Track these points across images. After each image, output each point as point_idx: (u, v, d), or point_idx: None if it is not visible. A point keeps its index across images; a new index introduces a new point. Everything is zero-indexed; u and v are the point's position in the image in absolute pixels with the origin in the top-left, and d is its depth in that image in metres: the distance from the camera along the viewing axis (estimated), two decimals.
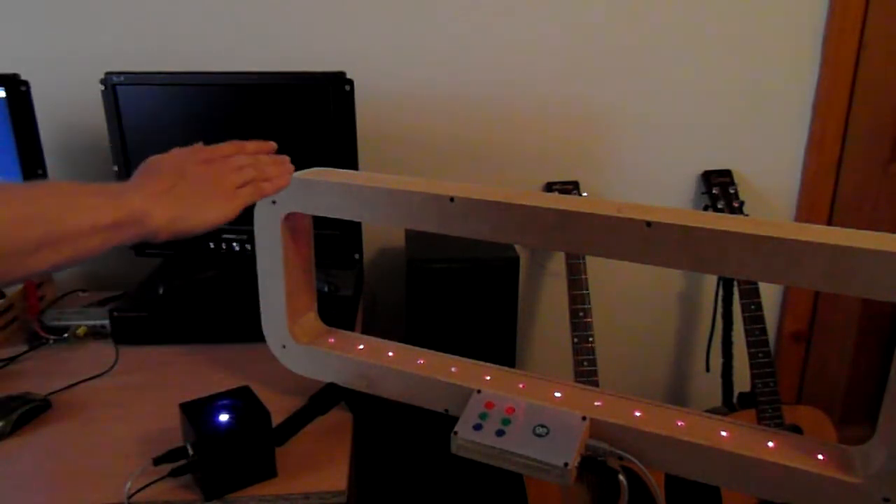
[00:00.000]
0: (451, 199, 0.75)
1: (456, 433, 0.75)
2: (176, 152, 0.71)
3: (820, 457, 0.69)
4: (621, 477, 0.73)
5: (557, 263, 1.55)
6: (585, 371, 1.36)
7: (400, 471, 1.40)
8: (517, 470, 0.73)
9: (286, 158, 0.77)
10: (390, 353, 0.90)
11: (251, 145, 0.75)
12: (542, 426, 0.75)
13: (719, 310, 1.53)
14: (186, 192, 0.66)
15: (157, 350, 1.12)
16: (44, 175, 1.16)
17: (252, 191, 0.71)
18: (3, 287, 0.54)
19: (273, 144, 0.77)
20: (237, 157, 0.72)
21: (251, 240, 1.18)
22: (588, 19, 1.41)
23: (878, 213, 1.57)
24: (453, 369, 0.86)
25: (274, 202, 0.86)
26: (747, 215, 1.45)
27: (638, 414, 0.76)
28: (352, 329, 1.13)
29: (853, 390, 1.72)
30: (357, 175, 0.86)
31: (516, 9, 1.39)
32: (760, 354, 1.40)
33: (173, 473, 0.77)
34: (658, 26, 1.42)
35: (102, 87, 1.15)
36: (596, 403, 0.78)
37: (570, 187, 1.47)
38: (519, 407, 0.78)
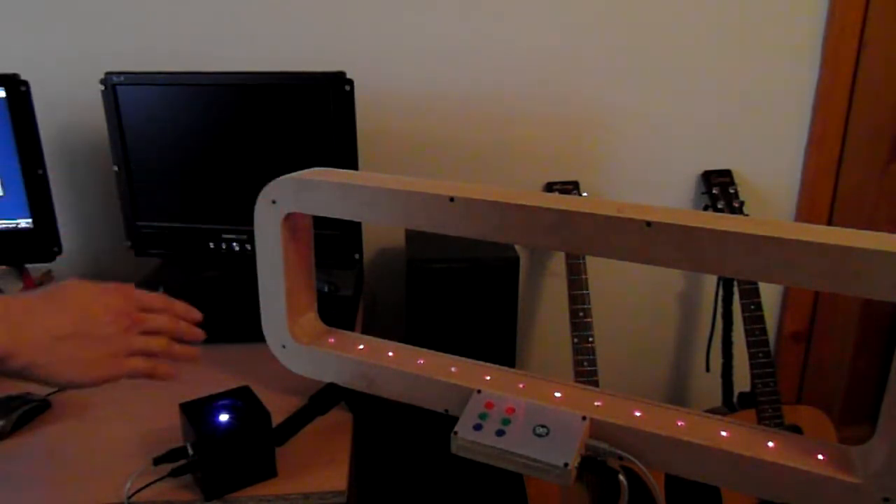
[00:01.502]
0: (451, 199, 0.75)
1: (456, 433, 0.75)
2: (96, 288, 0.61)
3: (820, 457, 0.69)
4: (621, 477, 0.73)
5: (557, 263, 1.55)
6: (585, 371, 1.36)
7: (400, 471, 1.40)
8: (517, 470, 0.73)
9: (194, 348, 0.69)
10: (390, 353, 0.90)
11: (180, 307, 0.67)
12: (542, 426, 0.75)
13: (719, 310, 1.53)
14: (72, 344, 0.58)
15: None
16: (44, 175, 1.16)
17: (145, 368, 0.65)
18: None
19: (198, 315, 0.68)
20: (154, 318, 0.65)
21: (251, 240, 1.18)
22: (588, 19, 1.41)
23: (878, 213, 1.58)
24: (453, 369, 0.86)
25: (274, 202, 0.86)
26: (747, 215, 1.45)
27: (638, 414, 0.76)
28: (352, 329, 1.13)
29: (853, 390, 1.72)
30: (357, 175, 0.86)
31: (516, 9, 1.39)
32: (760, 354, 1.40)
33: (173, 473, 0.77)
34: (658, 26, 1.42)
35: (102, 87, 1.15)
36: (596, 403, 0.78)
37: (570, 187, 1.47)
38: (519, 407, 0.78)
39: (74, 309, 0.59)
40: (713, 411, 1.43)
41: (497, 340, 1.26)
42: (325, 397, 0.91)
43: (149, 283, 1.25)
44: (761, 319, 1.41)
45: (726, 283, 1.51)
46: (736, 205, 1.44)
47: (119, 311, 0.61)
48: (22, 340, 0.55)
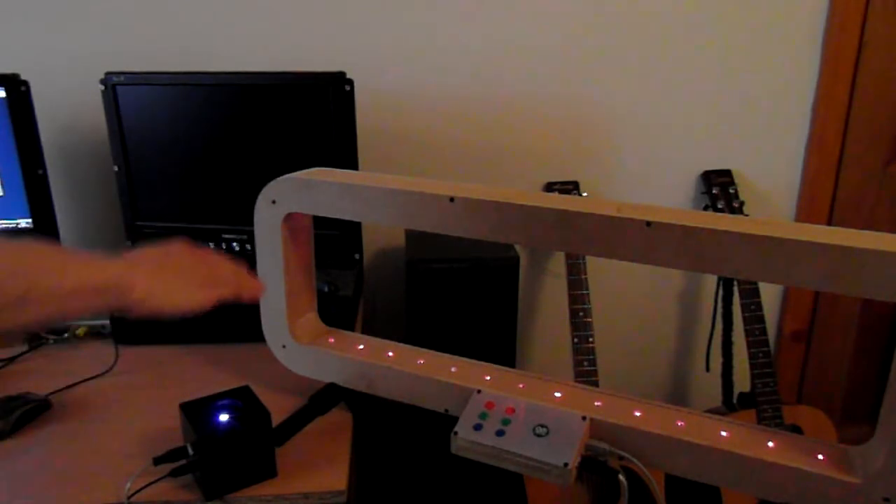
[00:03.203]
0: (451, 199, 0.75)
1: (456, 433, 0.75)
2: (169, 242, 0.74)
3: (820, 457, 0.69)
4: (621, 477, 0.73)
5: (557, 263, 1.55)
6: (585, 371, 1.36)
7: (400, 471, 1.40)
8: (517, 470, 0.73)
9: (244, 267, 0.81)
10: (390, 353, 0.90)
11: (226, 261, 0.79)
12: (542, 426, 0.75)
13: (719, 310, 1.53)
14: (169, 274, 0.69)
15: (157, 350, 1.12)
16: (44, 175, 1.16)
17: (231, 291, 0.76)
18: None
19: (235, 260, 0.80)
20: (218, 262, 0.77)
21: (251, 240, 1.18)
22: (588, 20, 1.41)
23: (878, 213, 1.57)
24: (453, 369, 0.86)
25: (274, 202, 0.86)
26: (747, 215, 1.45)
27: (638, 414, 0.76)
28: (352, 329, 1.13)
29: (853, 390, 1.72)
30: (357, 175, 0.86)
31: (516, 9, 1.39)
32: (760, 354, 1.40)
33: (173, 473, 0.77)
34: (658, 26, 1.42)
35: (102, 87, 1.15)
36: (596, 403, 0.78)
37: (570, 187, 1.47)
38: (519, 407, 0.78)
39: (159, 253, 0.72)
40: (713, 411, 1.43)
41: (497, 340, 1.26)
42: (325, 397, 0.91)
43: None
44: (761, 319, 1.41)
45: (726, 283, 1.51)
46: (736, 205, 1.44)
47: (193, 250, 0.75)
48: (135, 274, 0.66)
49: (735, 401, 1.53)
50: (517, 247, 1.32)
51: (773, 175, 1.54)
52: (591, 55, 1.43)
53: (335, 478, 0.81)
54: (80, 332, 1.15)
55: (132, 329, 1.13)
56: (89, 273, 0.62)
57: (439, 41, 1.40)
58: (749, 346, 1.41)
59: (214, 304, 0.73)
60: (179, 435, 0.82)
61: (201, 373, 1.05)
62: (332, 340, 0.95)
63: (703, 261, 0.66)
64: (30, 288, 0.58)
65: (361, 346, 0.93)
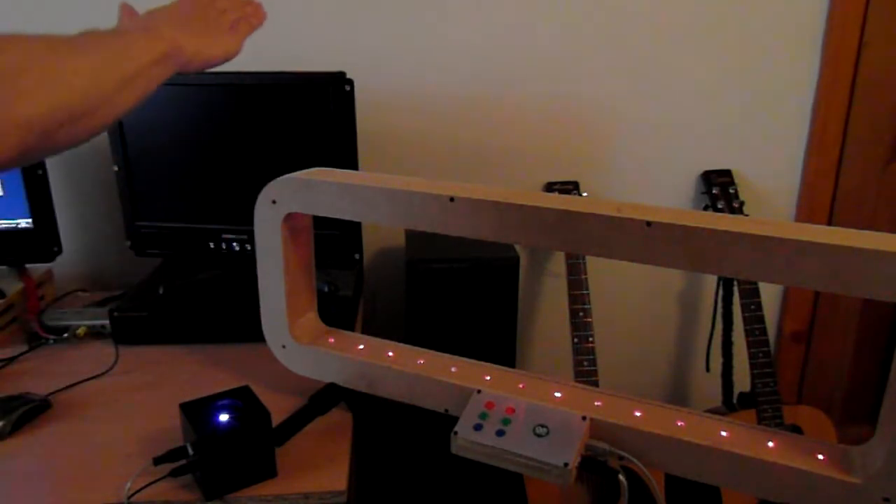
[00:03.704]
0: (451, 199, 0.75)
1: (456, 433, 0.75)
2: (172, 3, 0.77)
3: (820, 457, 0.69)
4: (621, 477, 0.73)
5: (557, 263, 1.55)
6: (585, 371, 1.36)
7: (400, 471, 1.40)
8: (517, 470, 0.73)
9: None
10: (390, 353, 0.90)
11: None
12: (542, 426, 0.75)
13: (719, 310, 1.53)
14: (201, 27, 0.73)
15: (157, 350, 1.12)
16: (44, 175, 1.16)
17: (246, 26, 0.80)
18: (94, 135, 0.59)
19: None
20: (219, 2, 0.79)
21: (251, 240, 1.18)
22: (588, 19, 1.41)
23: (878, 213, 1.57)
24: (453, 369, 0.86)
25: (274, 202, 0.86)
26: (747, 215, 1.45)
27: (638, 414, 0.76)
28: (352, 329, 1.13)
29: (853, 390, 1.72)
30: (357, 175, 0.86)
31: (516, 9, 1.39)
32: (760, 354, 1.40)
33: (173, 473, 0.77)
34: (658, 26, 1.42)
35: None
36: (596, 403, 0.78)
37: (570, 187, 1.47)
38: (519, 407, 0.78)
39: (179, 13, 0.74)
40: (713, 411, 1.43)
41: (497, 340, 1.26)
42: (325, 397, 0.91)
43: (149, 283, 1.25)
44: (761, 319, 1.41)
45: (726, 283, 1.51)
46: (736, 205, 1.44)
47: (197, 3, 0.77)
48: (180, 33, 0.69)
49: (735, 401, 1.53)
50: (517, 247, 1.32)
51: (773, 175, 1.54)
52: (591, 55, 1.43)
53: (335, 478, 0.81)
54: (80, 332, 1.15)
55: (132, 329, 1.13)
56: (153, 46, 0.66)
57: (439, 41, 1.40)
58: (749, 346, 1.41)
59: (243, 43, 0.78)
60: (179, 435, 0.82)
61: (201, 373, 1.05)
62: (332, 340, 0.95)
63: (703, 261, 0.66)
64: (125, 75, 0.61)
65: (361, 346, 0.93)
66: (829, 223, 1.57)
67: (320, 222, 0.91)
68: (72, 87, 0.56)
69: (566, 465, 0.70)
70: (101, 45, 0.62)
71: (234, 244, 1.20)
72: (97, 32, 0.64)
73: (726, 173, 1.48)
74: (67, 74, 0.56)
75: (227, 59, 0.75)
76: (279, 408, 0.84)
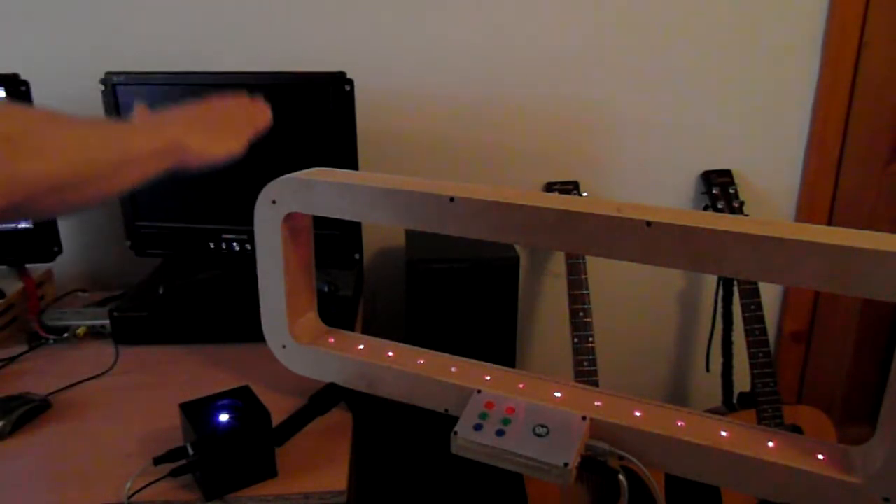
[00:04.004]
0: (451, 199, 0.75)
1: (456, 433, 0.75)
2: (185, 106, 0.81)
3: (820, 457, 0.69)
4: (621, 477, 0.73)
5: (557, 263, 1.55)
6: (585, 371, 1.36)
7: (400, 471, 1.40)
8: (517, 470, 0.73)
9: (261, 100, 0.87)
10: (390, 353, 0.90)
11: (234, 101, 0.86)
12: (542, 426, 0.75)
13: (719, 310, 1.53)
14: (207, 128, 0.76)
15: (157, 350, 1.12)
16: None
17: (251, 129, 0.82)
18: (85, 208, 0.61)
19: (245, 94, 0.88)
20: (230, 105, 0.84)
21: (251, 240, 1.18)
22: (588, 19, 1.41)
23: (878, 213, 1.57)
24: (453, 369, 0.86)
25: (274, 202, 0.86)
26: (747, 215, 1.45)
27: (638, 414, 0.76)
28: (352, 329, 1.13)
29: (853, 390, 1.72)
30: (357, 175, 0.86)
31: (516, 9, 1.39)
32: (760, 354, 1.40)
33: (173, 473, 0.77)
34: (658, 26, 1.42)
35: (102, 87, 1.15)
36: (596, 403, 0.78)
37: (570, 187, 1.47)
38: (519, 407, 0.78)
39: (190, 114, 0.78)
40: (713, 411, 1.43)
41: (497, 340, 1.26)
42: (325, 397, 0.91)
43: (149, 283, 1.25)
44: (761, 319, 1.41)
45: (726, 283, 1.51)
46: (736, 205, 1.44)
47: (207, 108, 0.81)
48: (186, 132, 0.73)
49: (735, 401, 1.53)
50: (517, 247, 1.32)
51: (773, 175, 1.54)
52: (591, 55, 1.43)
53: (335, 478, 0.81)
54: (80, 332, 1.15)
55: (132, 329, 1.13)
56: (154, 137, 0.69)
57: (440, 41, 1.40)
58: (749, 346, 1.41)
59: (246, 146, 0.81)
60: (179, 435, 0.82)
61: (201, 373, 1.05)
62: (332, 340, 0.95)
63: (703, 261, 0.66)
64: (122, 158, 0.64)
65: (361, 346, 0.93)
66: (829, 223, 1.57)
67: (320, 222, 0.91)
68: (64, 158, 0.58)
69: (566, 465, 0.70)
70: (103, 128, 0.65)
71: (234, 244, 1.20)
72: (105, 119, 0.66)
73: (726, 173, 1.48)
74: (62, 146, 0.59)
75: (227, 159, 0.77)
76: (279, 408, 0.84)
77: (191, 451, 0.77)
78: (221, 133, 0.78)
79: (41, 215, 0.58)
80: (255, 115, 0.85)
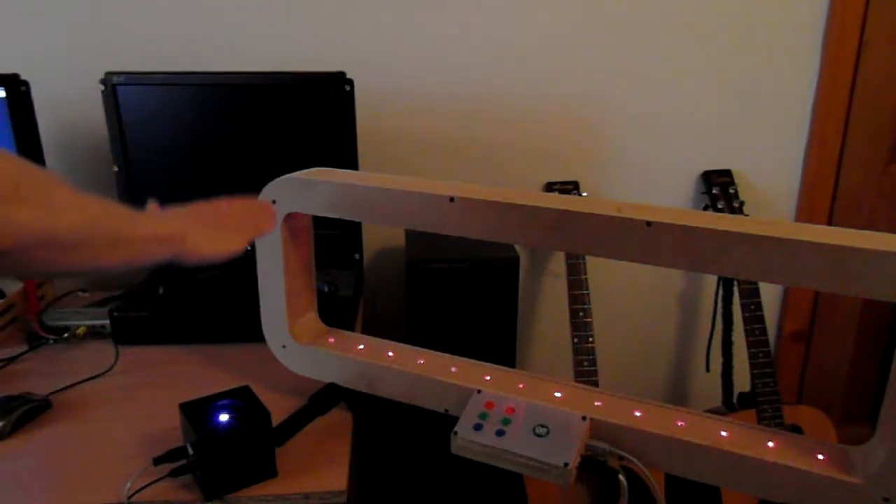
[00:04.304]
0: (451, 199, 0.75)
1: (456, 433, 0.75)
2: (194, 204, 0.84)
3: (820, 457, 0.69)
4: (621, 477, 0.73)
5: (557, 263, 1.55)
6: (585, 371, 1.36)
7: (400, 471, 1.40)
8: (517, 470, 0.73)
9: (268, 204, 0.89)
10: (390, 353, 0.90)
11: (239, 202, 0.89)
12: (542, 426, 0.75)
13: (719, 310, 1.53)
14: (210, 226, 0.79)
15: (157, 350, 1.12)
16: None
17: (253, 230, 0.86)
18: (78, 275, 0.62)
19: (253, 198, 0.90)
20: (234, 206, 0.86)
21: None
22: (588, 19, 1.41)
23: (878, 213, 1.58)
24: (453, 369, 0.86)
25: (274, 202, 0.86)
26: (747, 215, 1.45)
27: (638, 414, 0.76)
28: (352, 329, 1.13)
29: (853, 390, 1.72)
30: (357, 175, 0.86)
31: (516, 9, 1.39)
32: (760, 354, 1.40)
33: (173, 473, 0.77)
34: (658, 26, 1.42)
35: (102, 87, 1.15)
36: (596, 403, 0.78)
37: (570, 187, 1.47)
38: (519, 407, 0.78)
39: (196, 212, 0.80)
40: (713, 411, 1.43)
41: (497, 340, 1.26)
42: (325, 397, 0.91)
43: (149, 283, 1.25)
44: (761, 319, 1.41)
45: (726, 283, 1.51)
46: (736, 205, 1.44)
47: (215, 207, 0.84)
48: (188, 227, 0.74)
49: (735, 401, 1.53)
50: (517, 247, 1.32)
51: (773, 175, 1.54)
52: (591, 55, 1.43)
53: (335, 478, 0.80)
54: (80, 332, 1.15)
55: (132, 329, 1.13)
56: (156, 224, 0.71)
57: (439, 41, 1.40)
58: (749, 346, 1.41)
59: (246, 246, 0.82)
60: (179, 435, 0.82)
61: (201, 373, 1.05)
62: (332, 340, 0.95)
63: (703, 261, 0.66)
64: (121, 233, 0.65)
65: (361, 346, 0.93)
66: (829, 223, 1.57)
67: (320, 222, 0.91)
68: (64, 214, 0.59)
69: (566, 465, 0.70)
70: (109, 203, 0.65)
71: None
72: (115, 202, 0.68)
73: (726, 173, 1.48)
74: (65, 202, 0.59)
75: (227, 257, 0.78)
76: (279, 408, 0.84)
77: (191, 451, 0.77)
78: (224, 231, 0.80)
79: (27, 270, 0.57)
80: (261, 218, 0.87)
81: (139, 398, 0.98)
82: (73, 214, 0.60)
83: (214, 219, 0.81)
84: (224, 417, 0.77)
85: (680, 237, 0.66)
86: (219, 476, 0.77)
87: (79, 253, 0.60)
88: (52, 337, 1.14)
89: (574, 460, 0.70)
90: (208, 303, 1.18)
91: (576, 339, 1.37)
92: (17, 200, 0.55)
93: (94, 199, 0.63)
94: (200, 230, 0.76)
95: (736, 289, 1.46)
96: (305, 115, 1.14)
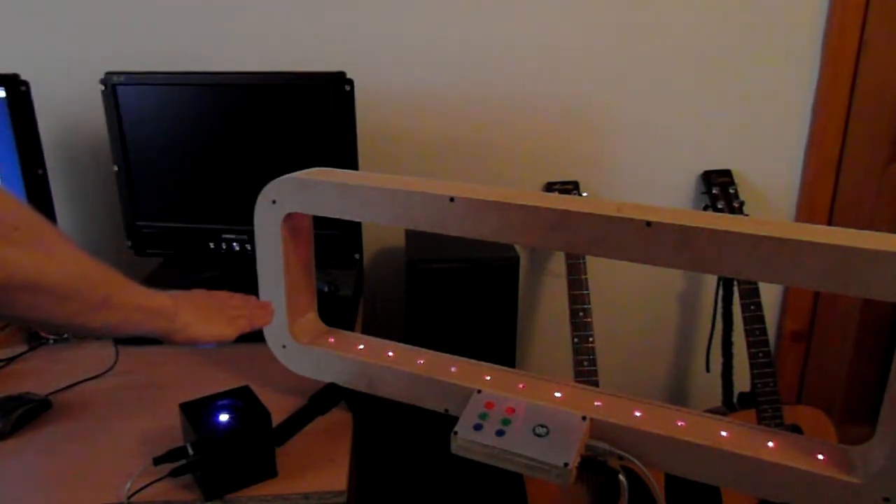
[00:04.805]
0: (451, 199, 0.75)
1: (456, 433, 0.75)
2: (195, 290, 0.84)
3: (820, 457, 0.69)
4: (621, 477, 0.73)
5: (557, 263, 1.55)
6: (585, 371, 1.36)
7: (400, 471, 1.40)
8: (517, 470, 0.73)
9: (269, 303, 0.91)
10: (390, 353, 0.90)
11: (240, 296, 0.90)
12: (542, 426, 0.75)
13: (719, 310, 1.53)
14: (203, 310, 0.79)
15: (157, 350, 1.12)
16: (44, 175, 1.16)
17: (246, 322, 0.85)
18: (57, 329, 0.63)
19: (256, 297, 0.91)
20: (234, 298, 0.87)
21: (251, 240, 1.18)
22: (588, 19, 1.41)
23: (878, 213, 1.57)
24: (453, 369, 0.86)
25: (274, 202, 0.86)
26: (747, 215, 1.45)
27: (638, 414, 0.76)
28: (352, 329, 1.13)
29: (853, 390, 1.72)
30: (357, 175, 0.86)
31: (516, 9, 1.39)
32: (760, 354, 1.40)
33: (173, 473, 0.77)
34: (658, 26, 1.42)
35: (102, 87, 1.15)
36: (596, 403, 0.78)
37: (570, 187, 1.47)
38: (519, 407, 0.78)
39: (191, 296, 0.81)
40: (713, 411, 1.43)
41: (497, 340, 1.26)
42: (325, 397, 0.91)
43: (149, 283, 1.25)
44: (761, 319, 1.41)
45: (726, 283, 1.51)
46: (736, 205, 1.44)
47: (212, 295, 0.84)
48: (180, 306, 0.75)
49: (735, 401, 1.53)
50: (517, 247, 1.32)
51: (773, 175, 1.54)
52: (591, 55, 1.43)
53: (335, 478, 0.81)
54: None
55: None
56: (147, 296, 0.71)
57: (439, 41, 1.40)
58: (749, 346, 1.41)
59: (237, 336, 0.83)
60: (179, 435, 0.82)
61: (201, 373, 1.05)
62: (332, 340, 0.95)
63: (703, 261, 0.66)
64: (110, 294, 0.65)
65: (361, 346, 0.93)
66: (829, 223, 1.57)
67: (320, 222, 0.91)
68: (55, 266, 0.59)
69: (566, 465, 0.70)
70: (105, 267, 0.66)
71: (234, 244, 1.20)
72: (111, 268, 0.68)
73: (726, 173, 1.48)
74: (59, 251, 0.60)
75: (214, 343, 0.80)
76: (279, 408, 0.84)
77: (191, 451, 0.77)
78: (216, 317, 0.80)
79: (8, 311, 0.57)
80: (257, 314, 0.87)
81: (139, 398, 0.98)
82: (66, 266, 0.60)
83: (209, 304, 0.81)
84: (224, 417, 0.77)
85: (680, 237, 0.66)
86: (219, 476, 0.77)
87: (64, 305, 0.60)
88: (51, 337, 1.14)
89: (574, 460, 0.70)
90: None
91: (576, 339, 1.37)
92: (13, 241, 0.55)
93: (91, 259, 0.64)
94: (192, 311, 0.77)
95: (736, 289, 1.46)
96: (305, 115, 1.14)
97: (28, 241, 0.57)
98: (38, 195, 1.16)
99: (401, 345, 0.93)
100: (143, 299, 0.70)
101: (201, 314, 0.78)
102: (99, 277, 0.64)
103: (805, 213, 1.55)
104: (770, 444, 0.71)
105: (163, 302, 0.73)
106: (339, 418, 0.91)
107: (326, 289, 1.21)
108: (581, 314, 1.37)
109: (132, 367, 1.07)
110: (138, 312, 0.69)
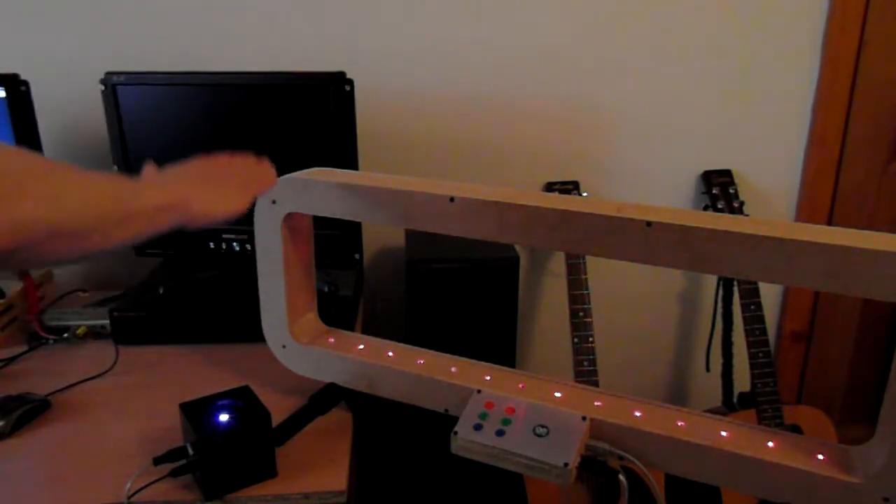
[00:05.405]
0: (451, 199, 0.75)
1: (456, 433, 0.75)
2: (192, 161, 0.82)
3: (820, 457, 0.69)
4: (621, 477, 0.73)
5: (557, 263, 1.55)
6: (585, 371, 1.36)
7: (400, 471, 1.40)
8: (517, 470, 0.73)
9: (265, 160, 0.87)
10: (390, 353, 0.90)
11: (238, 158, 0.87)
12: (542, 426, 0.75)
13: (719, 310, 1.53)
14: (212, 185, 0.77)
15: (157, 350, 1.12)
16: None
17: (256, 186, 0.83)
18: (90, 254, 0.61)
19: (252, 155, 0.88)
20: (235, 161, 0.84)
21: (251, 240, 1.18)
22: (588, 19, 1.41)
23: (878, 213, 1.57)
24: (453, 369, 0.86)
25: (274, 202, 0.86)
26: (747, 215, 1.45)
27: (638, 414, 0.76)
28: (352, 329, 1.13)
29: (853, 390, 1.72)
30: (357, 175, 0.86)
31: (516, 9, 1.39)
32: (760, 354, 1.40)
33: (173, 473, 0.77)
34: (658, 26, 1.42)
35: (102, 87, 1.15)
36: (596, 403, 0.78)
37: (570, 187, 1.47)
38: (519, 407, 0.78)
39: (196, 171, 0.79)
40: (713, 411, 1.43)
41: (497, 340, 1.26)
42: (325, 397, 0.91)
43: (149, 283, 1.25)
44: (761, 319, 1.41)
45: (726, 283, 1.51)
46: (736, 205, 1.44)
47: (214, 164, 0.82)
48: (191, 190, 0.74)
49: (735, 401, 1.53)
50: (517, 247, 1.32)
51: (773, 175, 1.54)
52: (591, 55, 1.43)
53: (335, 478, 0.81)
54: (80, 332, 1.15)
55: (132, 329, 1.13)
56: (160, 193, 0.70)
57: (440, 41, 1.40)
58: (749, 346, 1.41)
59: (251, 203, 0.81)
60: (179, 435, 0.82)
61: (201, 373, 1.05)
62: (332, 340, 0.95)
63: (703, 261, 0.66)
64: (127, 209, 0.65)
65: (361, 346, 0.93)
66: (829, 223, 1.57)
67: (320, 222, 0.91)
68: (67, 206, 0.58)
69: (566, 465, 0.70)
70: (110, 181, 0.66)
71: (234, 244, 1.20)
72: (113, 174, 0.67)
73: (726, 173, 1.48)
74: (66, 194, 0.59)
75: (232, 216, 0.78)
76: (279, 408, 0.84)
77: (191, 451, 0.77)
78: (226, 190, 0.78)
79: (40, 261, 0.58)
80: (261, 175, 0.85)
81: (139, 398, 0.98)
82: (79, 203, 0.60)
83: (214, 178, 0.79)
84: (224, 417, 0.77)
85: (680, 237, 0.66)
86: (219, 476, 0.77)
87: (88, 239, 0.60)
88: (51, 337, 1.14)
89: (574, 460, 0.70)
90: (208, 303, 1.18)
91: (576, 339, 1.37)
92: (22, 197, 0.54)
93: (97, 181, 0.63)
94: (204, 191, 0.75)
95: (736, 289, 1.46)
96: (305, 115, 1.14)
97: (37, 192, 0.56)
98: None
99: (401, 345, 0.93)
100: (159, 199, 0.69)
101: (213, 190, 0.77)
102: (113, 201, 0.64)
103: (805, 213, 1.55)
104: (770, 444, 0.71)
105: (176, 193, 0.72)
106: (339, 418, 0.91)
107: (326, 289, 1.21)
108: (581, 314, 1.37)
109: (132, 367, 1.07)
110: (158, 214, 0.69)
